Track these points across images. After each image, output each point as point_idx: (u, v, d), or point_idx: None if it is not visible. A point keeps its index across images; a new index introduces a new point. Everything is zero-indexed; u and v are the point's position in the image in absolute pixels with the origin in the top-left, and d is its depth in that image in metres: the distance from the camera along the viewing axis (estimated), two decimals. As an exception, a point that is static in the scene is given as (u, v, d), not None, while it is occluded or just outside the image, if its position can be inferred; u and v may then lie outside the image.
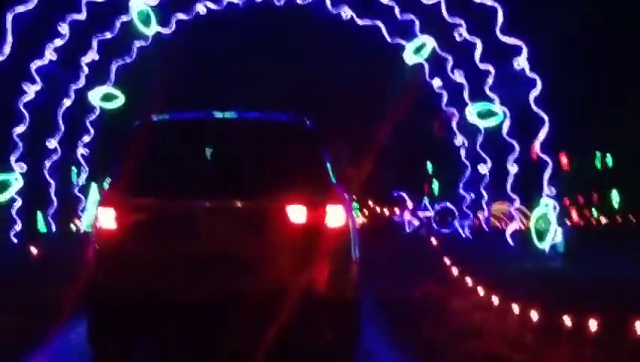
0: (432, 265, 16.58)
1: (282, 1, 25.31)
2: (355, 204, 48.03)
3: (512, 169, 21.09)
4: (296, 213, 8.33)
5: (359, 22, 24.91)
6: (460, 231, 30.84)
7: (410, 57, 24.56)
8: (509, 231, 21.15)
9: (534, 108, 19.21)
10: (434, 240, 19.46)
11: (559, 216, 19.67)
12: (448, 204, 37.54)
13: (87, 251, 8.59)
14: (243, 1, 25.03)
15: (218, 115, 9.36)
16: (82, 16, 21.98)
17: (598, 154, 50.71)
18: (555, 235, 19.17)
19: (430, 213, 39.11)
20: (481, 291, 13.07)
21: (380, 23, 24.75)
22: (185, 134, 9.15)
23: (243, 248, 8.32)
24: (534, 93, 19.17)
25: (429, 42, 23.86)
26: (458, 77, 23.55)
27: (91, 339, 8.65)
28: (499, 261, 17.37)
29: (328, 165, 8.84)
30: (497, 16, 19.67)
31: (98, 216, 8.51)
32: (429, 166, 42.35)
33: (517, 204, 21.45)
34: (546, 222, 19.13)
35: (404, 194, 44.77)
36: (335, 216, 8.38)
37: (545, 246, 19.24)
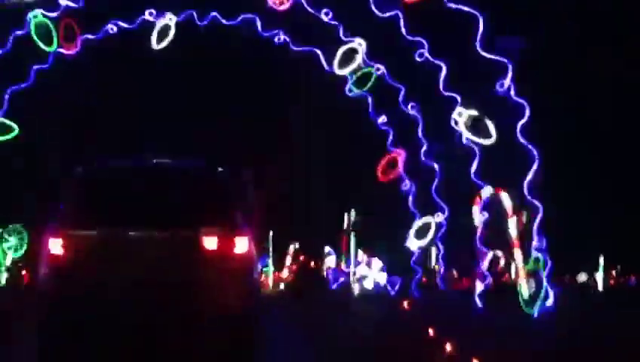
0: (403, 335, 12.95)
1: (205, 20, 21.96)
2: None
3: (481, 217, 17.71)
4: (211, 242, 10.35)
5: (294, 48, 21.65)
6: (389, 288, 27.89)
7: (353, 89, 21.35)
8: (477, 289, 17.71)
9: (522, 140, 15.74)
10: (405, 304, 15.92)
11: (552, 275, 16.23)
12: (375, 259, 34.87)
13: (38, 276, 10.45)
14: (158, 19, 21.66)
15: (147, 162, 11.45)
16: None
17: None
18: (546, 297, 15.71)
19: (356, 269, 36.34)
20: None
21: (317, 50, 21.49)
22: (120, 178, 11.07)
23: (167, 270, 10.23)
24: (521, 121, 15.63)
25: (375, 70, 20.75)
26: (411, 110, 20.27)
27: (42, 353, 10.37)
28: (483, 328, 13.72)
29: (238, 203, 10.94)
30: (473, 29, 15.99)
31: (49, 245, 10.48)
32: (354, 214, 38.85)
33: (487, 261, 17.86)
34: (537, 281, 15.67)
35: (329, 248, 41.53)
36: (241, 245, 10.39)
37: (534, 310, 15.76)
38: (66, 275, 10.23)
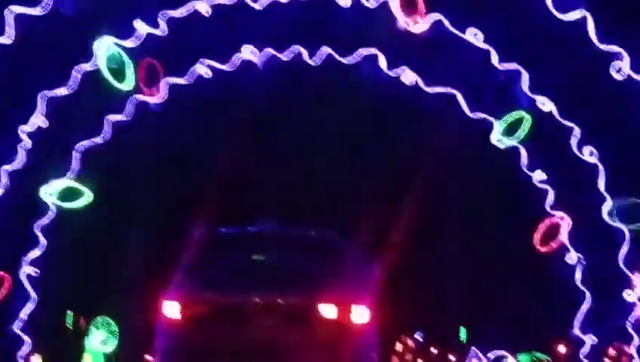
0: None
1: (319, 60, 17.68)
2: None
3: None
4: (327, 310, 10.98)
5: (427, 89, 17.25)
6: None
7: (499, 139, 16.75)
8: None
9: None
10: None
11: None
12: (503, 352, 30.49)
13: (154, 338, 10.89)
14: (263, 62, 17.56)
15: (266, 229, 12.30)
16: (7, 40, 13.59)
17: None
18: None
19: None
20: None
21: (456, 92, 17.06)
22: (241, 243, 11.83)
23: (284, 337, 10.77)
24: None
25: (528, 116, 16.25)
26: (588, 157, 15.46)
27: None
28: None
29: (359, 273, 11.48)
30: None
31: (165, 307, 11.07)
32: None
33: None
34: None
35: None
36: (359, 314, 10.94)
37: None
38: (182, 340, 10.91)
